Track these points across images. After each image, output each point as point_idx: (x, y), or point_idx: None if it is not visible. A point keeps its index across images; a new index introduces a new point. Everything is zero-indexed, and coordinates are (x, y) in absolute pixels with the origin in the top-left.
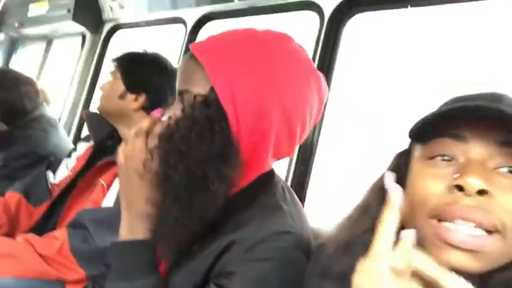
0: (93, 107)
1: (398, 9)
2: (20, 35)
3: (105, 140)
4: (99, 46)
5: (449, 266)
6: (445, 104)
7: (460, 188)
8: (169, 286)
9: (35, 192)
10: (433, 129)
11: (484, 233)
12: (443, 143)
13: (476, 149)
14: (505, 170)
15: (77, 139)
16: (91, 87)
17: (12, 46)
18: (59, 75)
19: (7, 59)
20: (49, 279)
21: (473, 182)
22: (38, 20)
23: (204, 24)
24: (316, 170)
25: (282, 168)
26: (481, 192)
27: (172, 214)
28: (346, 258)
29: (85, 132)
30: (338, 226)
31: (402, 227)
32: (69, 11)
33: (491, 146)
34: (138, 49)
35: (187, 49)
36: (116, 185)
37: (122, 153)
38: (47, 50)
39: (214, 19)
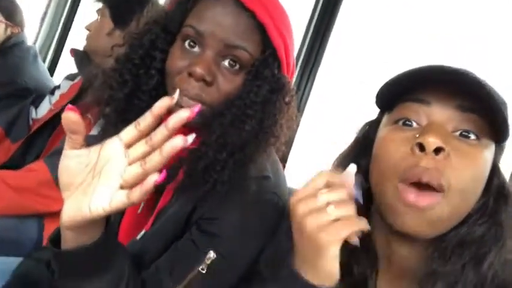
0: (73, 41)
1: None
2: None
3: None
4: None
5: (405, 229)
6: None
7: (420, 147)
8: (152, 230)
9: (16, 128)
10: (399, 94)
11: (430, 193)
12: (408, 107)
13: (437, 112)
14: (457, 133)
15: (52, 69)
16: (68, 18)
17: None
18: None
19: None
20: (29, 213)
21: (432, 140)
22: None
23: None
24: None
25: None
26: (438, 150)
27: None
28: None
29: (60, 65)
30: None
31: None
32: None
33: (450, 110)
34: None
35: None
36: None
37: None
38: None
39: None
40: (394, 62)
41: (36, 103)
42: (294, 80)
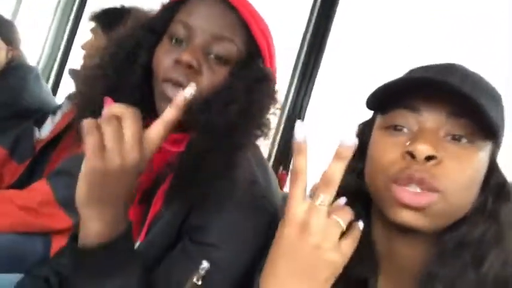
0: (73, 59)
1: None
2: None
3: None
4: None
5: (402, 223)
6: (403, 75)
7: (411, 155)
8: (146, 241)
9: (21, 148)
10: (389, 101)
11: (427, 192)
12: (399, 114)
13: (428, 119)
14: (449, 137)
15: (54, 90)
16: (70, 37)
17: None
18: (33, 23)
19: None
20: (35, 230)
21: (422, 148)
22: None
23: None
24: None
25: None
26: (430, 158)
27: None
28: None
29: (63, 85)
30: None
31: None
32: None
33: (441, 117)
34: (115, 4)
35: None
36: None
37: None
38: None
39: None
40: (395, 63)
41: (39, 123)
42: (293, 87)
